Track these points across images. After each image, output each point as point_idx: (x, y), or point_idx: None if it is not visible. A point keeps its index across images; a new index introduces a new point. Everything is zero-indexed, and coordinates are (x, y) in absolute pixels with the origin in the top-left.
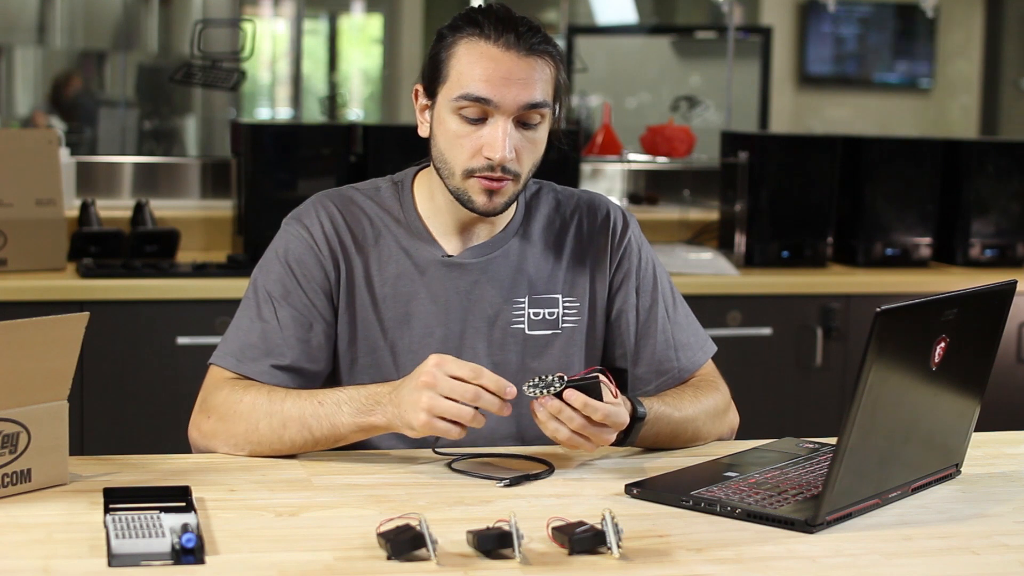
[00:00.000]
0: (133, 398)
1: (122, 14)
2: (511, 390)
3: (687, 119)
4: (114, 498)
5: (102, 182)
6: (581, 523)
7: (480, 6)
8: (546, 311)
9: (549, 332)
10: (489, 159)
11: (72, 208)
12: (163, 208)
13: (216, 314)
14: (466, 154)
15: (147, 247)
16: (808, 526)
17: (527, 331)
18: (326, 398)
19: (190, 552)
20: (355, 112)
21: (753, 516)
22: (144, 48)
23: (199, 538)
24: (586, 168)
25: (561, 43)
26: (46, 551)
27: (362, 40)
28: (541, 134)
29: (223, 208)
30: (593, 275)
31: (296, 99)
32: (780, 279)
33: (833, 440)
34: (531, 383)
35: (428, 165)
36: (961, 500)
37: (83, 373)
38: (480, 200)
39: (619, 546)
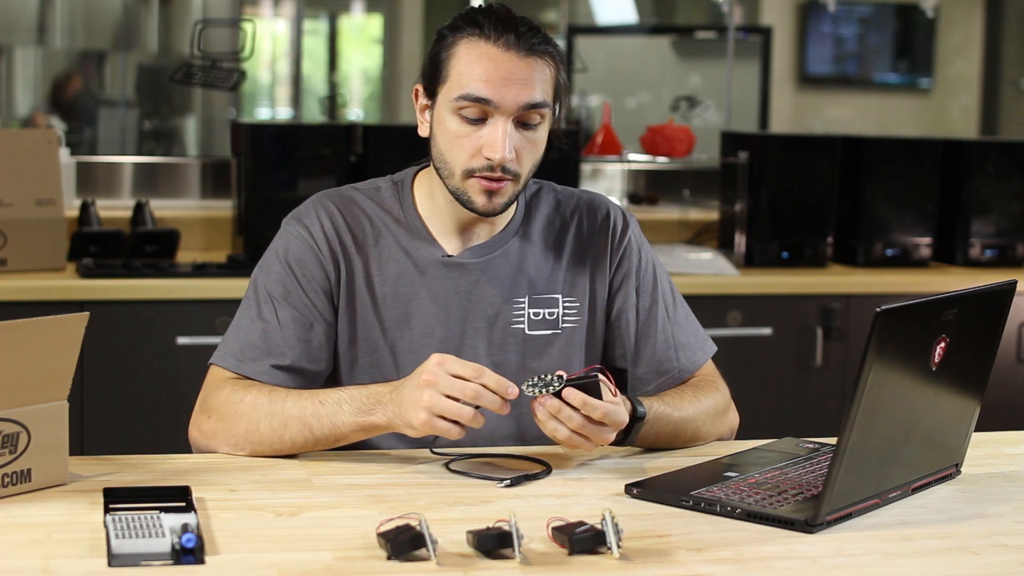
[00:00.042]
0: (133, 398)
1: (122, 14)
2: (513, 390)
3: (687, 119)
4: (114, 498)
5: (102, 182)
6: (581, 523)
7: (480, 6)
8: (546, 311)
9: (549, 332)
10: (489, 159)
11: (72, 208)
12: (163, 208)
13: (216, 314)
14: (466, 154)
15: (147, 247)
16: (808, 526)
17: (527, 331)
18: (327, 398)
19: (190, 552)
20: (355, 112)
21: (753, 516)
22: (144, 48)
23: (199, 538)
24: (586, 168)
25: (561, 43)
26: (46, 551)
27: (362, 40)
28: (541, 134)
29: (223, 208)
30: (593, 275)
31: (296, 99)
32: (780, 279)
33: (833, 440)
34: (530, 383)
35: (428, 165)
36: (961, 500)
37: (83, 373)
38: (480, 200)
39: (619, 546)
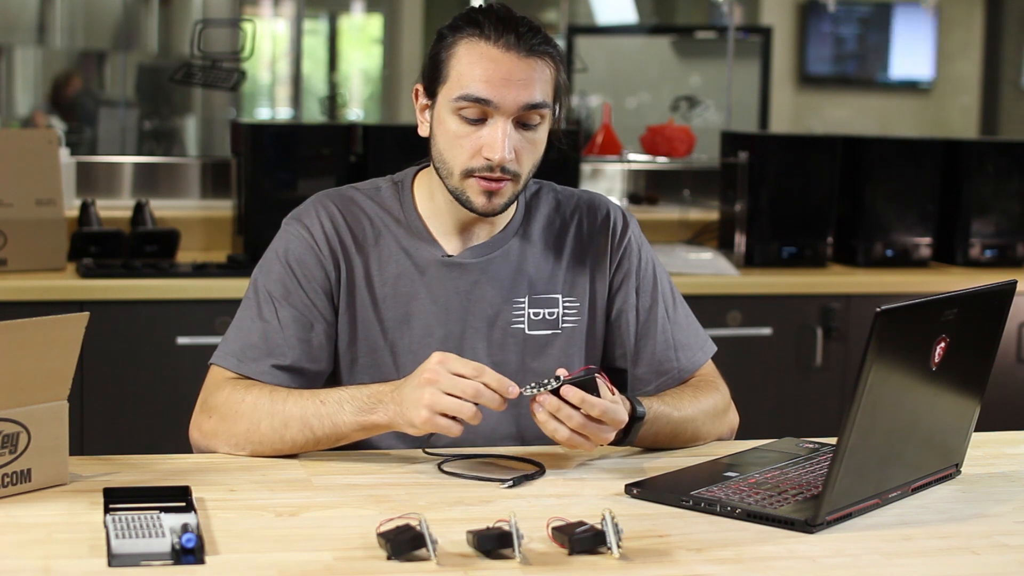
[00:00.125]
0: (133, 398)
1: (122, 14)
2: (514, 389)
3: (687, 119)
4: (114, 498)
5: (102, 182)
6: (581, 523)
7: (480, 6)
8: (546, 311)
9: (549, 332)
10: (488, 159)
11: (72, 208)
12: (163, 208)
13: (216, 314)
14: (465, 154)
15: (147, 247)
16: (808, 526)
17: (527, 331)
18: (328, 397)
19: (190, 552)
20: (355, 112)
21: (753, 516)
22: (144, 48)
23: (199, 538)
24: (586, 168)
25: (561, 43)
26: (46, 551)
27: (362, 40)
28: (541, 135)
29: (223, 208)
30: (593, 275)
31: (296, 99)
32: (780, 279)
33: (833, 440)
34: (530, 385)
35: (428, 165)
36: (961, 500)
37: (83, 373)
38: (479, 201)
39: (619, 546)
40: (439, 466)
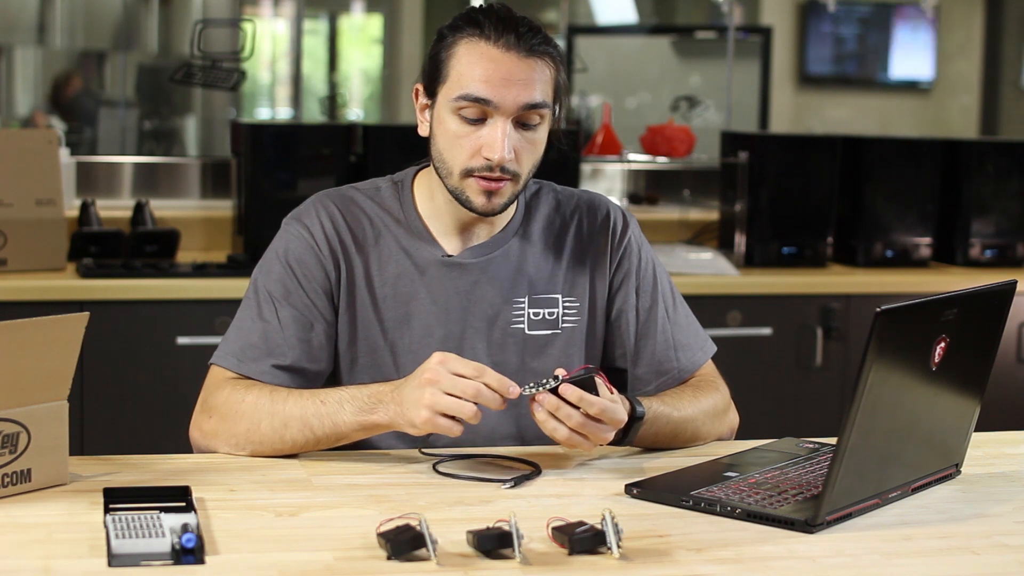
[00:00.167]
0: (133, 398)
1: (122, 14)
2: (514, 389)
3: (687, 119)
4: (114, 498)
5: (102, 182)
6: (581, 523)
7: (481, 6)
8: (546, 311)
9: (549, 332)
10: (488, 159)
11: (72, 208)
12: (163, 208)
13: (216, 314)
14: (465, 154)
15: (147, 247)
16: (808, 526)
17: (527, 331)
18: (328, 397)
19: (190, 552)
20: (355, 112)
21: (753, 516)
22: (144, 48)
23: (199, 538)
24: (586, 168)
25: (561, 43)
26: (46, 551)
27: (362, 40)
28: (540, 135)
29: (223, 208)
30: (593, 275)
31: (296, 99)
32: (780, 279)
33: (833, 440)
34: (530, 385)
35: (428, 165)
36: (961, 500)
37: (83, 373)
38: (479, 201)
39: (619, 546)
40: (434, 466)
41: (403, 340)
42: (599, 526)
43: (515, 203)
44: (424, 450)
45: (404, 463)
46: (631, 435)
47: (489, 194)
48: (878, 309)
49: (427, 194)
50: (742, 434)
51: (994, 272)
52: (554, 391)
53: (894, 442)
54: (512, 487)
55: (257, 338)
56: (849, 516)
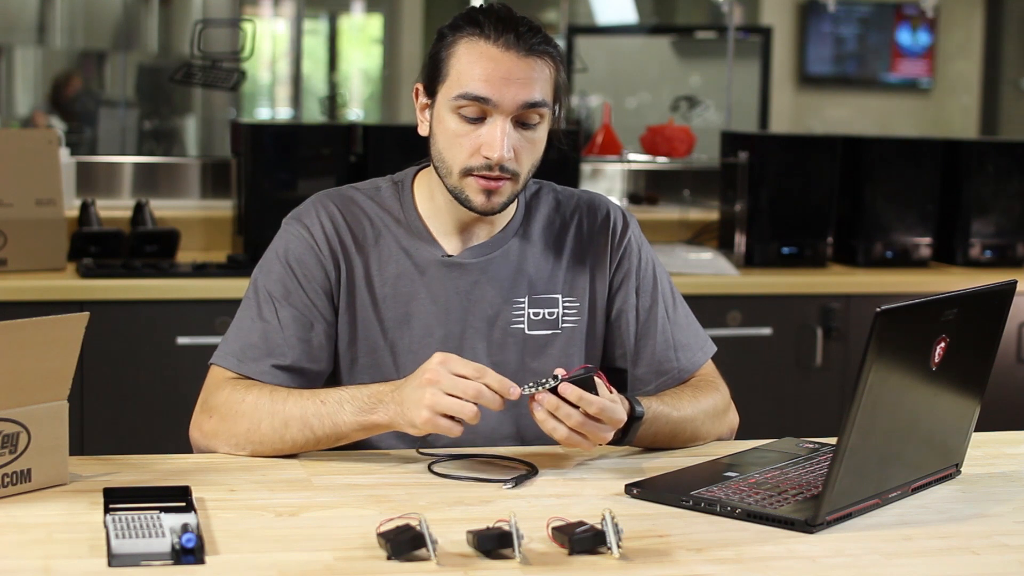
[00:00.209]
0: (133, 398)
1: (122, 14)
2: (515, 390)
3: (687, 119)
4: (114, 498)
5: (102, 182)
6: (581, 523)
7: (481, 6)
8: (546, 311)
9: (549, 332)
10: (487, 158)
11: (72, 208)
12: (163, 208)
13: (216, 314)
14: (464, 153)
15: (147, 247)
16: (808, 526)
17: (527, 331)
18: (328, 397)
19: (190, 552)
20: (355, 112)
21: (753, 516)
22: (144, 48)
23: (199, 538)
24: (586, 168)
25: (561, 43)
26: (46, 551)
27: (362, 40)
28: (540, 134)
29: (223, 208)
30: (593, 275)
31: (296, 99)
32: (780, 279)
33: (833, 440)
34: (529, 384)
35: (428, 165)
36: (961, 500)
37: (83, 373)
38: (478, 200)
39: (619, 546)
40: (429, 467)
41: (403, 340)
42: (599, 526)
43: (515, 203)
44: (421, 450)
45: (404, 463)
46: (630, 435)
47: (488, 193)
48: (878, 309)
49: (427, 194)
50: (742, 434)
51: (994, 272)
52: (553, 390)
53: (894, 442)
54: (512, 487)
55: (257, 338)
56: (849, 516)
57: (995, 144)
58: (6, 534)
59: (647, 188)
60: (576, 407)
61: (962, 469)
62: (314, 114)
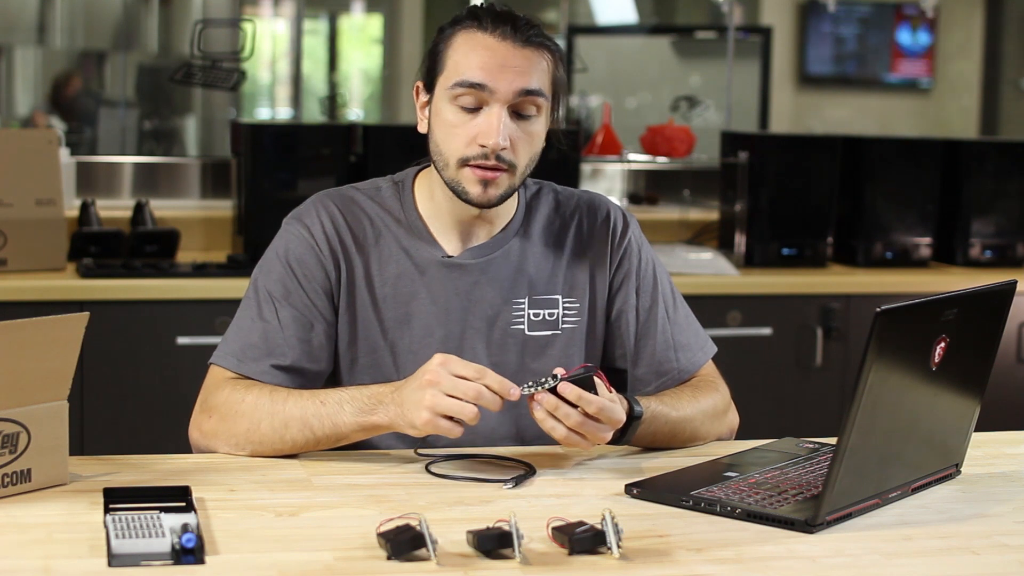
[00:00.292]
0: (133, 398)
1: (122, 14)
2: (515, 391)
3: (687, 119)
4: (114, 498)
5: (102, 182)
6: (581, 523)
7: (481, 4)
8: (546, 312)
9: (549, 333)
10: (483, 146)
11: (72, 208)
12: (163, 208)
13: (216, 314)
14: (461, 143)
15: (147, 247)
16: (808, 526)
17: (527, 332)
18: (328, 398)
19: (190, 552)
20: (355, 112)
21: (753, 516)
22: (144, 48)
23: (199, 538)
24: (586, 168)
25: (561, 43)
26: (46, 551)
27: (362, 40)
28: (537, 128)
29: (223, 208)
30: (593, 275)
31: (296, 99)
32: (780, 279)
33: (833, 440)
34: (528, 384)
35: (429, 165)
36: (961, 500)
37: (83, 373)
38: (475, 191)
39: (619, 546)
40: (427, 467)
41: (403, 340)
42: (599, 526)
43: (515, 203)
44: (420, 451)
45: (404, 463)
46: (629, 434)
47: (485, 184)
48: (878, 309)
49: (427, 194)
50: (742, 434)
51: (994, 272)
52: (553, 390)
53: (894, 442)
54: (512, 487)
55: (257, 338)
56: (849, 516)
57: (995, 144)
58: (6, 534)
59: (647, 188)
60: (575, 407)
61: (962, 469)
62: (314, 114)
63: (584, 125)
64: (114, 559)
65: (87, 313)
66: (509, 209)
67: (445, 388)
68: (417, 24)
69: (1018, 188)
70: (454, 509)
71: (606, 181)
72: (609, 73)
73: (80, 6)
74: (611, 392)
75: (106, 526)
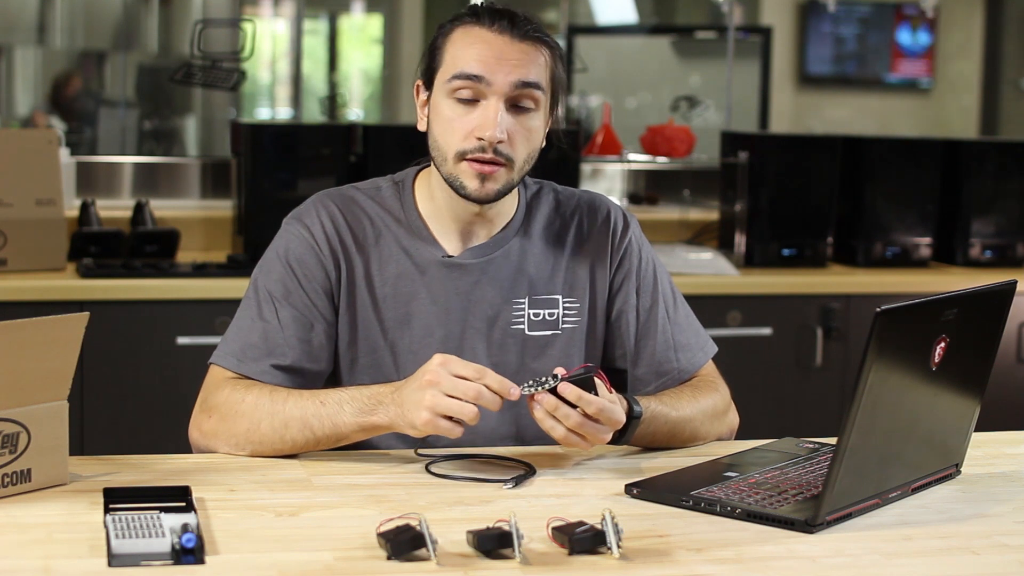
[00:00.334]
0: (133, 398)
1: (122, 14)
2: (515, 391)
3: (687, 119)
4: (114, 498)
5: (102, 182)
6: (581, 523)
7: (480, 3)
8: (546, 312)
9: (549, 333)
10: (481, 139)
11: (72, 208)
12: (163, 208)
13: (216, 314)
14: (459, 136)
15: (147, 247)
16: (808, 526)
17: (527, 332)
18: (328, 398)
19: (190, 552)
20: (355, 112)
21: (753, 516)
22: (144, 48)
23: (199, 538)
24: (586, 168)
25: (561, 43)
26: (46, 551)
27: (362, 40)
28: (535, 123)
29: (223, 208)
30: (593, 275)
31: (296, 99)
32: (780, 279)
33: (833, 440)
34: (528, 383)
35: (429, 165)
36: (961, 500)
37: (83, 373)
38: (472, 185)
39: (619, 546)
40: (427, 467)
41: (403, 340)
42: (599, 526)
43: (516, 203)
44: (420, 451)
45: (404, 463)
46: (628, 434)
47: (483, 178)
48: (878, 309)
49: (427, 194)
50: (742, 434)
51: (994, 272)
52: (553, 390)
53: (894, 442)
54: (512, 487)
55: (257, 338)
56: (849, 516)
57: (995, 144)
58: (6, 534)
59: (647, 188)
60: (575, 407)
61: (962, 469)
62: (314, 114)
63: (584, 125)
64: (114, 559)
65: (87, 313)
66: (509, 209)
67: (445, 388)
68: (417, 24)
69: (1018, 188)
70: (454, 509)
71: (606, 181)
72: (609, 73)
73: (80, 6)
74: (611, 392)
75: (106, 526)
